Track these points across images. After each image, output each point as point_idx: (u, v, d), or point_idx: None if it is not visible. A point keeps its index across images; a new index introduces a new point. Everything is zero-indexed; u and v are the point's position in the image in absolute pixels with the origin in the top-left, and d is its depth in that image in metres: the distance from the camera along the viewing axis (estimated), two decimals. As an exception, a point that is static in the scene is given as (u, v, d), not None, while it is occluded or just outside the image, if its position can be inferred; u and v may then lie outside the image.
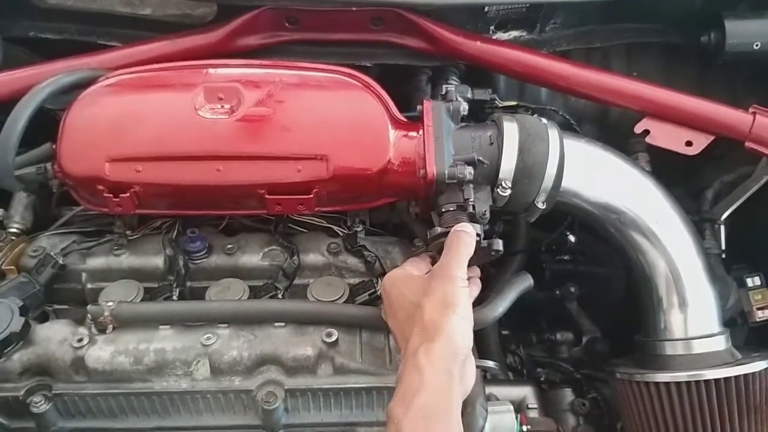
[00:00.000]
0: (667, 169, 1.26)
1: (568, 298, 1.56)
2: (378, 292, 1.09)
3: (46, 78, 1.11)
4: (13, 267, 1.11)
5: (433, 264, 1.00)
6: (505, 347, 1.48)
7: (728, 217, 1.33)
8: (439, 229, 1.03)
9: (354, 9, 1.17)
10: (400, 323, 0.92)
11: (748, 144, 1.15)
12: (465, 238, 0.97)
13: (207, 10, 1.23)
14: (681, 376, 1.09)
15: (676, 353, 1.12)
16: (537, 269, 1.53)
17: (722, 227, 1.29)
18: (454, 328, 0.85)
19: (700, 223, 1.29)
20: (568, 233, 1.50)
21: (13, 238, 1.17)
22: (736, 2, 1.29)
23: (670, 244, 1.12)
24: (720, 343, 1.11)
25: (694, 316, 1.12)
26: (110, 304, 1.01)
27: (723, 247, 1.28)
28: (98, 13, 1.26)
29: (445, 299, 0.88)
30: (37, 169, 1.09)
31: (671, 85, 1.37)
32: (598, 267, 1.53)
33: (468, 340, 0.87)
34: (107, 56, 1.21)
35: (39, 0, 1.24)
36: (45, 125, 1.11)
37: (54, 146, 1.07)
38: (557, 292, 1.55)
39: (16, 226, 1.19)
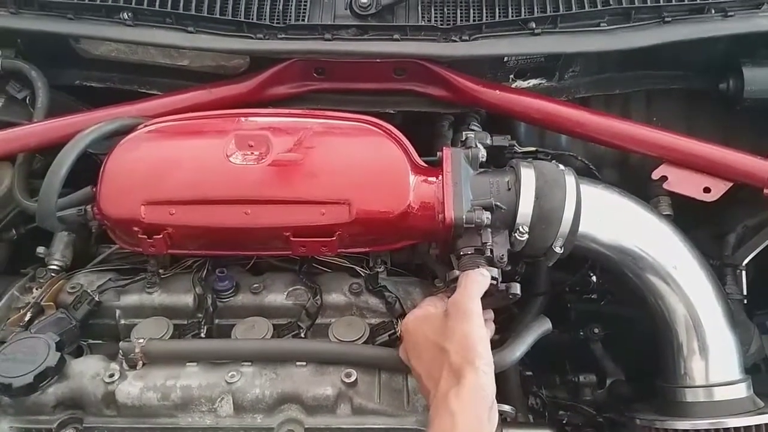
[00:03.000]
0: (690, 212, 1.27)
1: (592, 340, 1.55)
2: (398, 333, 1.11)
3: (89, 125, 1.18)
4: (51, 303, 1.17)
5: None
6: (527, 389, 1.48)
7: (752, 261, 1.32)
8: (456, 272, 1.05)
9: (378, 60, 1.22)
10: (426, 364, 0.94)
11: (767, 191, 1.15)
12: (475, 276, 1.00)
13: (240, 61, 1.30)
14: (702, 424, 1.08)
15: (697, 400, 1.11)
16: (562, 310, 1.53)
17: (743, 272, 1.28)
18: (481, 373, 0.87)
19: (722, 268, 1.29)
20: (591, 274, 1.51)
21: (53, 275, 1.24)
22: (755, 49, 1.30)
23: (690, 289, 1.12)
24: (741, 391, 1.10)
25: (715, 363, 1.11)
26: (141, 341, 1.06)
27: (745, 293, 1.27)
28: (139, 64, 1.34)
29: (467, 343, 0.90)
30: (78, 211, 1.15)
31: (694, 130, 1.40)
32: (624, 307, 1.53)
33: (493, 384, 0.89)
34: (147, 105, 1.28)
35: (84, 51, 1.33)
36: (90, 169, 1.18)
37: (94, 189, 1.14)
38: (581, 333, 1.55)
39: (56, 263, 1.25)
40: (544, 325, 1.12)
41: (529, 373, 1.53)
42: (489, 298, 1.09)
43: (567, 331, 1.54)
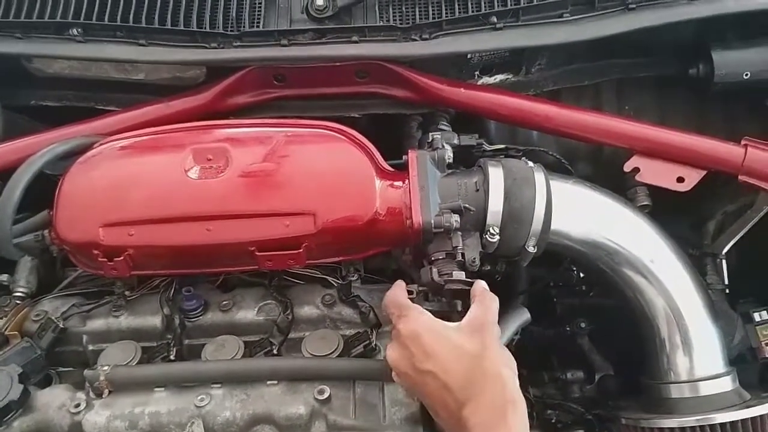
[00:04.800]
0: (669, 201, 1.24)
1: (579, 334, 1.53)
2: (373, 344, 1.08)
3: (44, 146, 1.15)
4: (16, 332, 1.14)
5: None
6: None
7: (734, 249, 1.30)
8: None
9: (338, 64, 1.19)
10: (459, 374, 0.87)
11: (741, 177, 1.13)
12: (493, 298, 0.97)
13: (197, 72, 1.27)
14: (689, 420, 1.05)
15: (682, 396, 1.09)
16: (547, 305, 1.51)
17: (724, 261, 1.25)
18: (519, 390, 0.85)
19: (701, 258, 1.27)
20: (573, 268, 1.48)
21: (17, 302, 1.20)
22: (723, 33, 1.28)
23: (668, 282, 1.11)
24: (727, 384, 1.08)
25: (698, 357, 1.09)
26: (105, 368, 1.02)
27: (726, 282, 1.25)
28: (95, 80, 1.30)
29: (509, 360, 0.88)
30: (35, 237, 1.12)
31: (666, 117, 1.38)
32: (610, 298, 1.51)
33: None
34: (103, 122, 1.24)
35: (38, 70, 1.30)
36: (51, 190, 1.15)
37: (51, 213, 1.10)
38: (567, 329, 1.53)
39: (20, 290, 1.22)
40: (522, 316, 1.09)
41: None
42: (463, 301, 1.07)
43: (553, 326, 1.52)
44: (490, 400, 0.83)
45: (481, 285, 0.99)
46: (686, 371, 1.09)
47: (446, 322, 0.94)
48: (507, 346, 1.03)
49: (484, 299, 0.96)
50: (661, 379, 1.12)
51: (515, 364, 0.88)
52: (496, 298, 0.97)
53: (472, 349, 0.88)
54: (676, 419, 1.07)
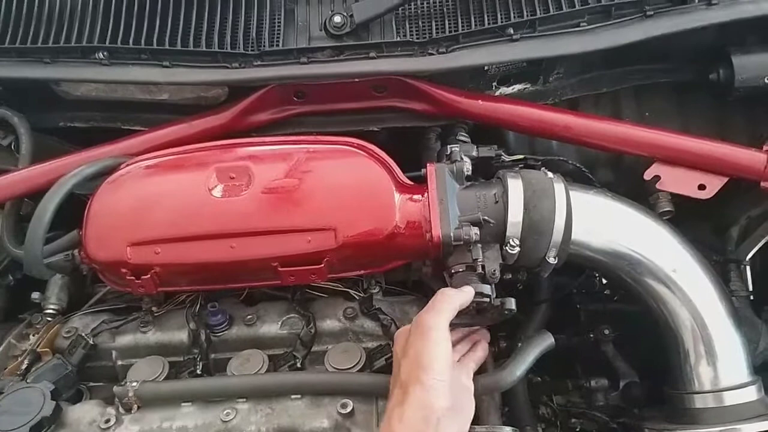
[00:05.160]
0: (691, 206, 1.23)
1: (603, 341, 1.52)
2: (396, 355, 1.10)
3: (73, 168, 1.18)
4: (47, 349, 1.17)
5: None
6: (537, 397, 1.45)
7: (758, 254, 1.28)
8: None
9: (356, 80, 1.20)
10: (392, 378, 0.95)
11: (764, 184, 1.12)
12: (449, 292, 0.98)
13: (219, 91, 1.29)
14: (713, 431, 1.04)
15: (706, 406, 1.08)
16: (571, 312, 1.50)
17: (748, 267, 1.24)
18: (425, 391, 0.86)
19: (725, 264, 1.25)
20: (595, 275, 1.47)
21: (49, 319, 1.24)
22: (743, 37, 1.27)
23: (691, 292, 1.09)
24: (752, 394, 1.06)
25: (723, 366, 1.08)
26: (134, 384, 1.05)
27: (750, 288, 1.23)
28: (120, 101, 1.34)
29: (418, 359, 0.89)
30: (65, 256, 1.15)
31: (687, 123, 1.37)
32: (634, 304, 1.50)
33: (443, 400, 0.86)
34: (129, 143, 1.27)
35: (65, 93, 1.33)
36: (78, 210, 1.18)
37: (80, 233, 1.13)
38: (591, 336, 1.52)
39: (52, 307, 1.26)
40: (545, 342, 1.08)
41: (539, 379, 1.51)
42: (483, 316, 1.07)
43: (577, 333, 1.50)
44: (389, 408, 0.89)
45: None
46: (710, 381, 1.08)
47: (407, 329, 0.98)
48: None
49: (433, 300, 0.97)
50: (685, 389, 1.10)
51: (439, 363, 0.88)
52: (463, 291, 0.99)
53: (398, 355, 0.94)
54: (700, 430, 1.06)
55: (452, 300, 0.96)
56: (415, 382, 0.86)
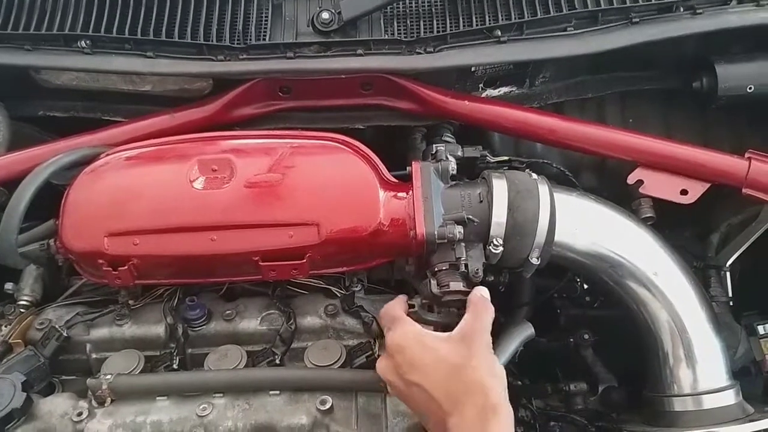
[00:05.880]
0: (673, 213, 1.24)
1: (583, 346, 1.52)
2: (376, 354, 1.08)
3: (51, 157, 1.16)
4: (20, 340, 1.14)
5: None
6: (517, 400, 1.45)
7: (738, 261, 1.30)
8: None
9: (343, 77, 1.20)
10: (440, 383, 0.88)
11: (745, 190, 1.13)
12: (488, 307, 0.97)
13: (204, 84, 1.28)
14: (691, 434, 1.05)
15: (685, 409, 1.09)
16: (551, 316, 1.51)
17: (728, 273, 1.25)
18: (506, 398, 0.86)
19: (706, 270, 1.26)
20: (577, 279, 1.48)
21: (22, 310, 1.20)
22: (727, 46, 1.28)
23: (672, 295, 1.10)
24: (730, 398, 1.07)
25: (702, 370, 1.09)
26: (108, 377, 1.03)
27: (730, 294, 1.24)
28: (102, 91, 1.32)
29: (495, 368, 0.89)
30: (40, 246, 1.13)
31: (671, 130, 1.38)
32: (614, 309, 1.50)
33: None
34: (110, 133, 1.25)
35: (46, 81, 1.31)
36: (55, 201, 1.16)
37: (57, 222, 1.11)
38: (571, 340, 1.52)
39: (25, 298, 1.22)
40: (526, 331, 1.08)
41: (519, 383, 1.51)
42: (461, 315, 1.06)
43: (557, 338, 1.51)
44: (472, 409, 0.84)
45: (477, 293, 0.99)
46: (689, 384, 1.09)
47: (437, 333, 0.96)
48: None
49: (477, 307, 0.96)
50: (664, 392, 1.11)
51: (503, 371, 0.89)
52: (491, 307, 0.96)
53: (455, 359, 0.89)
54: (679, 432, 1.06)
55: (491, 313, 0.96)
56: (502, 393, 0.86)
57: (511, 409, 0.85)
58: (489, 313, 0.95)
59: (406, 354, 0.92)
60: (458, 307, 1.03)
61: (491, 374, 0.87)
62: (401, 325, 0.96)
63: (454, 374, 0.88)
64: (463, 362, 0.88)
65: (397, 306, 1.01)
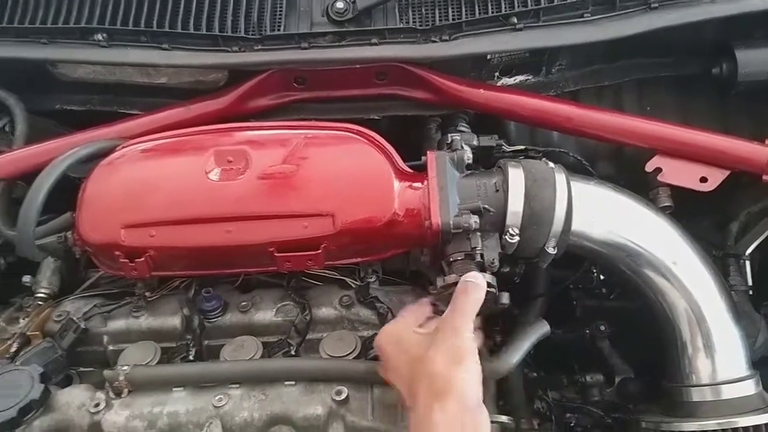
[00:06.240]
0: (692, 201, 1.22)
1: (599, 337, 1.51)
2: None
3: (67, 149, 1.16)
4: (38, 332, 1.15)
5: (435, 312, 1.00)
6: (532, 392, 1.44)
7: (758, 249, 1.28)
8: (447, 279, 1.02)
9: (357, 66, 1.19)
10: (404, 378, 0.91)
11: (765, 177, 1.11)
12: (474, 291, 0.96)
13: (219, 75, 1.28)
14: (710, 424, 1.03)
15: (704, 399, 1.07)
16: (567, 307, 1.49)
17: (747, 262, 1.23)
18: (466, 383, 0.85)
19: (725, 259, 1.24)
20: (593, 270, 1.47)
21: (39, 303, 1.22)
22: (748, 31, 1.26)
23: (691, 284, 1.08)
24: (750, 388, 1.05)
25: (721, 360, 1.07)
26: (125, 368, 1.03)
27: (749, 283, 1.22)
28: (118, 84, 1.32)
29: (454, 354, 0.88)
30: (58, 238, 1.14)
31: (689, 117, 1.36)
32: (631, 300, 1.49)
33: (477, 392, 0.87)
34: (126, 125, 1.26)
35: (63, 75, 1.32)
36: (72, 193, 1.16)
37: (74, 215, 1.12)
38: (587, 331, 1.51)
39: (43, 291, 1.23)
40: (541, 329, 1.08)
41: (535, 374, 1.50)
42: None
43: (573, 329, 1.50)
44: (421, 400, 0.86)
45: (464, 279, 0.98)
46: (708, 374, 1.07)
47: (421, 329, 0.97)
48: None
49: (457, 295, 0.96)
50: (683, 382, 1.09)
51: (472, 359, 0.88)
52: (476, 291, 0.96)
53: (416, 352, 0.90)
54: (697, 423, 1.05)
55: (477, 298, 0.95)
56: (456, 375, 0.86)
57: (473, 395, 0.85)
58: (471, 300, 0.94)
59: (383, 351, 0.97)
60: None
61: (452, 363, 0.86)
62: (388, 324, 1.00)
63: (412, 367, 0.90)
64: (422, 354, 0.89)
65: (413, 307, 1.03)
